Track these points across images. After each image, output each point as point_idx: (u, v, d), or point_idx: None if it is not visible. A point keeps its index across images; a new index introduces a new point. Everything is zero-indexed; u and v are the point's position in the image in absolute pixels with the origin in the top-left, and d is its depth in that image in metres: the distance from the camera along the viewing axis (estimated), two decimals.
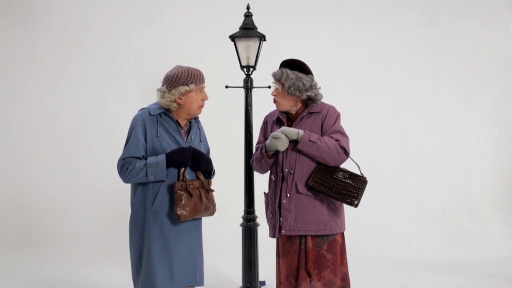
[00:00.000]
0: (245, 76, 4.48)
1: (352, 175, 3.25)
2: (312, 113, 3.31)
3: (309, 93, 3.28)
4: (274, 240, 3.48)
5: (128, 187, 3.30)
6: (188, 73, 3.15)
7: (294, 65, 3.30)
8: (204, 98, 3.19)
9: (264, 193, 3.49)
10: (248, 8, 4.50)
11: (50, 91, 6.62)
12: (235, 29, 4.49)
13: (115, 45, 6.65)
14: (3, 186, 6.45)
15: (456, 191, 6.73)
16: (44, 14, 6.63)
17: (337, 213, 3.29)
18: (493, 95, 6.83)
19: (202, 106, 3.21)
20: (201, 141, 3.32)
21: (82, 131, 6.60)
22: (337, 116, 3.33)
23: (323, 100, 3.40)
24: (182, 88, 3.12)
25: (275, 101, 3.33)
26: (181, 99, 3.14)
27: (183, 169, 3.10)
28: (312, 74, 3.34)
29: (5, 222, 6.38)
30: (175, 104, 3.15)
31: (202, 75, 3.20)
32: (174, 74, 3.15)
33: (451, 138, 6.81)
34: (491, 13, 6.79)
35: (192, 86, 3.13)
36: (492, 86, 6.83)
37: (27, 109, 6.61)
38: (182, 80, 3.13)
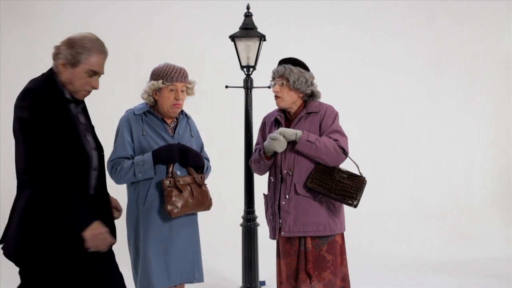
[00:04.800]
0: (245, 76, 4.48)
1: (351, 175, 3.24)
2: (310, 113, 3.31)
3: (312, 88, 3.30)
4: (274, 240, 3.48)
5: (126, 187, 3.31)
6: (162, 69, 3.19)
7: (296, 62, 3.32)
8: (177, 97, 3.18)
9: (264, 194, 3.48)
10: (248, 8, 4.50)
11: None
12: (235, 29, 4.49)
13: (115, 45, 6.61)
14: (3, 186, 6.45)
15: (456, 191, 6.72)
16: (44, 14, 6.62)
17: (337, 213, 3.29)
18: (493, 95, 6.83)
19: (176, 105, 3.19)
20: (192, 136, 3.32)
21: None
22: (335, 115, 3.33)
23: (321, 100, 3.40)
24: (152, 83, 3.17)
25: (277, 97, 3.32)
26: (156, 94, 3.18)
27: (171, 165, 3.11)
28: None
29: (5, 222, 6.37)
30: (151, 99, 3.21)
31: (178, 74, 3.17)
32: (155, 68, 3.23)
33: (451, 138, 6.81)
34: (491, 13, 6.79)
35: (159, 83, 3.16)
36: (492, 86, 6.83)
37: None
38: (155, 75, 3.20)
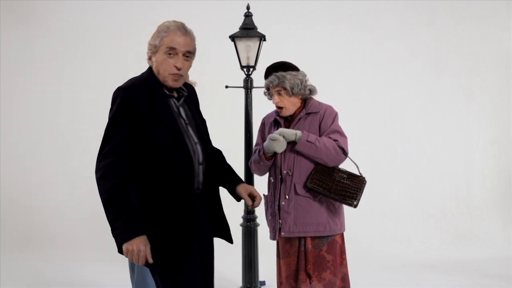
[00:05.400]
0: (245, 76, 4.47)
1: (350, 176, 3.24)
2: (309, 113, 3.30)
3: (309, 87, 3.30)
4: (274, 240, 3.48)
5: None
6: None
7: (284, 67, 3.30)
8: None
9: (264, 195, 3.47)
10: (248, 8, 4.50)
11: (50, 91, 6.62)
12: (235, 29, 4.49)
13: (115, 45, 6.65)
14: (3, 186, 6.45)
15: (456, 191, 6.73)
16: (44, 14, 6.63)
17: (337, 213, 3.28)
18: (493, 95, 6.83)
19: None
20: None
21: (82, 131, 6.60)
22: (335, 115, 3.32)
23: (321, 99, 3.40)
24: None
25: (280, 108, 3.29)
26: None
27: None
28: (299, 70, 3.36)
29: (5, 222, 6.38)
30: None
31: None
32: None
33: (451, 138, 6.81)
34: (491, 13, 6.79)
35: None
36: (492, 86, 6.83)
37: (27, 109, 6.61)
38: None
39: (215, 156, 2.63)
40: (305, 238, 3.24)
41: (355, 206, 3.19)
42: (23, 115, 6.60)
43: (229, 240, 2.62)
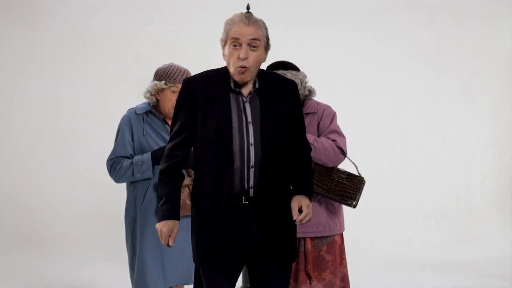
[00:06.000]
0: None
1: (349, 176, 3.24)
2: (308, 114, 3.29)
3: (308, 88, 3.29)
4: None
5: (125, 186, 3.31)
6: (166, 70, 3.18)
7: (285, 66, 3.29)
8: None
9: None
10: (248, 8, 4.49)
11: (50, 91, 6.62)
12: None
13: (115, 45, 6.65)
14: (3, 186, 6.45)
15: (456, 191, 6.73)
16: (44, 14, 6.63)
17: (336, 213, 3.28)
18: (493, 95, 6.83)
19: None
20: None
21: (82, 131, 6.60)
22: (333, 115, 3.31)
23: (321, 100, 3.39)
24: (154, 83, 3.17)
25: None
26: (158, 94, 3.17)
27: None
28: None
29: (5, 222, 6.38)
30: (153, 98, 3.19)
31: (181, 76, 3.16)
32: (159, 68, 3.21)
33: (451, 138, 6.81)
34: (491, 13, 6.79)
35: (162, 83, 3.14)
36: (492, 86, 6.83)
37: (27, 109, 6.60)
38: (158, 75, 3.19)
39: (295, 163, 2.48)
40: (304, 238, 3.23)
41: (354, 207, 3.19)
42: (23, 115, 6.59)
43: None
